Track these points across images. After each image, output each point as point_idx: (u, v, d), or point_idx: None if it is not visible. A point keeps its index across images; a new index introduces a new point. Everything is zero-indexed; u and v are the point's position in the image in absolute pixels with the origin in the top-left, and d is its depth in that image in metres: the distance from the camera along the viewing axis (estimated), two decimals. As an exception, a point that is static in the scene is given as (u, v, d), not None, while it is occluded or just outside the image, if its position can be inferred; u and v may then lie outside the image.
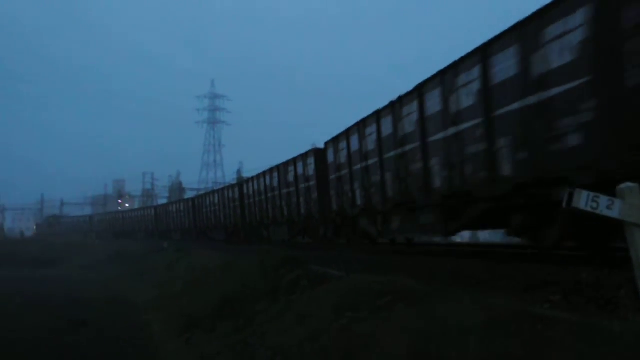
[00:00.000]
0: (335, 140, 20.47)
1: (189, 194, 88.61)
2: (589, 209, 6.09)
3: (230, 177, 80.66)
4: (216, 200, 42.13)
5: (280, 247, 21.84)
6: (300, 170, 24.84)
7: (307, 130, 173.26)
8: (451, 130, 12.45)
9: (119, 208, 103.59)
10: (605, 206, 6.06)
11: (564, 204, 5.91)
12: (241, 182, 37.83)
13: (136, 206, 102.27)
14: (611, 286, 6.91)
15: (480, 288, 8.51)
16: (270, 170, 29.62)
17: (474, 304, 6.60)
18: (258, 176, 32.48)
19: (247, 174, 71.01)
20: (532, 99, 9.83)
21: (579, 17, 8.77)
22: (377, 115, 16.57)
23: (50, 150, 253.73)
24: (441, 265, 12.14)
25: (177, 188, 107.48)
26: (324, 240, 22.95)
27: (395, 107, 15.38)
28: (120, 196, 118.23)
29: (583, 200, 6.09)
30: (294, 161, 25.73)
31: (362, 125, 17.81)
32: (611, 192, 6.11)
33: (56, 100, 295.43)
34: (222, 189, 43.63)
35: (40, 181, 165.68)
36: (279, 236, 28.60)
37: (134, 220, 73.59)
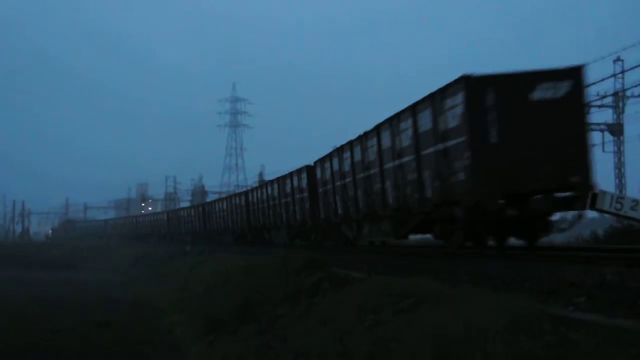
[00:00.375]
0: (322, 161, 24.59)
1: (211, 197, 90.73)
2: (612, 209, 6.09)
3: (252, 180, 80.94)
4: (224, 207, 45.89)
5: (302, 249, 21.86)
6: (295, 183, 28.36)
7: (327, 132, 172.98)
8: (397, 162, 16.44)
9: (142, 212, 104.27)
10: (629, 207, 6.04)
11: (588, 206, 6.22)
12: (247, 191, 42.26)
13: (159, 209, 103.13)
14: (636, 287, 6.85)
15: (503, 289, 8.46)
16: (271, 181, 34.25)
17: (498, 306, 6.57)
18: (261, 186, 38.03)
19: (269, 176, 71.13)
20: (440, 146, 13.94)
21: (460, 97, 13.05)
22: (350, 144, 20.39)
23: (75, 156, 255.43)
24: (464, 266, 12.10)
25: (200, 191, 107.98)
26: (315, 243, 26.75)
27: (362, 139, 19.21)
28: (144, 200, 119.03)
29: (607, 202, 6.09)
30: (290, 175, 29.38)
31: (340, 150, 21.76)
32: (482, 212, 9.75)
33: (79, 108, 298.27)
34: (230, 197, 48.66)
35: (65, 186, 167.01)
36: (279, 239, 31.67)
37: (147, 225, 77.63)
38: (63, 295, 26.97)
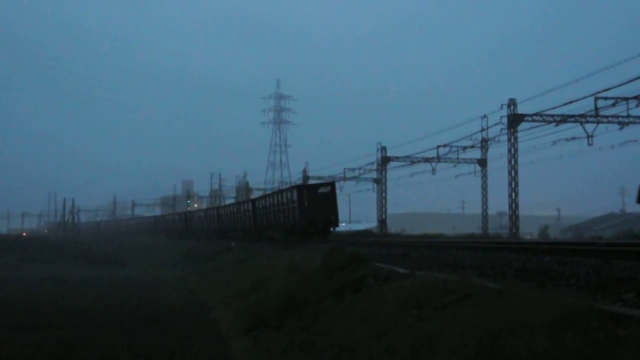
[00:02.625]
0: (267, 195, 54.37)
1: (256, 194, 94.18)
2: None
3: (296, 177, 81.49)
4: (235, 210, 59.84)
5: (346, 246, 21.85)
6: (289, 196, 42.70)
7: (371, 130, 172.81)
8: (282, 207, 43.73)
9: (188, 208, 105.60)
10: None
11: (636, 200, 6.21)
12: (254, 199, 56.60)
13: (204, 206, 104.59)
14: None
15: (549, 285, 8.34)
16: (273, 193, 53.20)
17: (543, 302, 6.47)
18: (265, 196, 55.40)
19: (313, 173, 71.72)
20: (291, 205, 41.20)
21: (295, 191, 41.81)
22: (276, 193, 49.88)
23: (123, 153, 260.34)
24: (508, 261, 11.96)
25: (244, 188, 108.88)
26: (302, 238, 37.40)
27: (275, 194, 48.60)
28: (189, 197, 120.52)
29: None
30: (286, 190, 46.84)
31: (278, 192, 49.05)
32: (303, 227, 40.19)
33: (131, 104, 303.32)
34: (240, 203, 65.52)
35: (113, 183, 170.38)
36: (278, 236, 44.28)
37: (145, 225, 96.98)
38: (111, 291, 27.46)
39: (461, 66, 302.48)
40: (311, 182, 65.66)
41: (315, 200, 39.77)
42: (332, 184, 43.23)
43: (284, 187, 73.86)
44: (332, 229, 41.38)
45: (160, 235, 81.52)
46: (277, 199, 45.74)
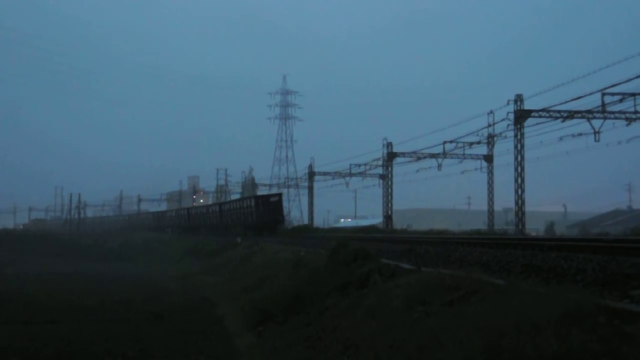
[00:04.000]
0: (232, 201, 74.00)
1: (262, 190, 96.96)
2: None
3: (302, 172, 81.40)
4: (204, 211, 75.82)
5: (353, 242, 21.83)
6: (249, 203, 58.60)
7: (377, 126, 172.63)
8: (242, 210, 60.20)
9: (194, 204, 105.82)
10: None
11: None
12: (221, 203, 77.23)
13: (210, 202, 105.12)
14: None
15: (555, 281, 8.31)
16: (236, 200, 69.60)
17: (549, 298, 6.45)
18: (230, 202, 73.79)
19: (319, 169, 71.71)
20: (249, 210, 57.44)
21: (253, 200, 58.49)
22: (238, 200, 68.61)
23: (130, 149, 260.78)
24: (514, 257, 11.93)
25: (250, 183, 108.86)
26: (257, 233, 51.07)
27: (238, 201, 67.75)
28: (195, 192, 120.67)
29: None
30: (247, 198, 63.09)
31: (240, 200, 67.92)
32: (258, 226, 55.37)
33: (134, 100, 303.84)
34: (208, 205, 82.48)
35: (119, 179, 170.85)
36: (239, 231, 55.30)
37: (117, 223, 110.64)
38: (117, 286, 27.54)
39: (468, 62, 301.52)
40: (317, 177, 71.60)
41: (267, 206, 55.35)
42: (279, 195, 60.89)
43: (267, 191, 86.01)
44: (278, 227, 55.42)
45: (165, 231, 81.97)
46: (239, 204, 63.14)
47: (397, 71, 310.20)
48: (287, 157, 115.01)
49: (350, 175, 66.32)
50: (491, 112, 45.08)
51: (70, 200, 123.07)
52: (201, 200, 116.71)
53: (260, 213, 54.38)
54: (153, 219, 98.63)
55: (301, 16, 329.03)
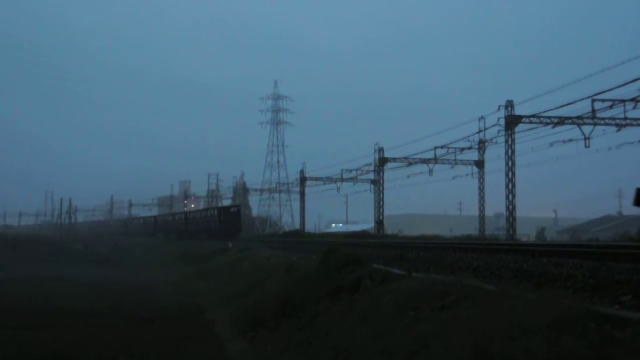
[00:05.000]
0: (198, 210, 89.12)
1: (253, 195, 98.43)
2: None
3: (293, 177, 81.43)
4: (170, 219, 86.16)
5: (345, 247, 21.85)
6: (212, 212, 71.52)
7: (368, 132, 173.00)
8: (206, 218, 72.16)
9: (185, 209, 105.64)
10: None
11: (633, 203, 6.36)
12: (186, 212, 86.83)
13: (201, 207, 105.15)
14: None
15: (546, 287, 8.34)
16: (201, 210, 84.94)
17: (540, 303, 6.47)
18: (195, 211, 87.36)
19: (310, 174, 71.68)
20: (212, 218, 69.78)
21: (216, 210, 74.12)
22: (203, 210, 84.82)
23: (120, 153, 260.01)
24: (505, 263, 11.96)
25: (241, 188, 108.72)
26: (219, 238, 52.51)
27: (201, 211, 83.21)
28: (186, 197, 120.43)
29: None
30: (211, 209, 79.58)
31: (204, 210, 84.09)
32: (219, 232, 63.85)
33: (124, 105, 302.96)
34: (174, 214, 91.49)
35: (110, 183, 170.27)
36: (203, 236, 62.94)
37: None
38: (105, 291, 27.42)
39: (458, 70, 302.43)
40: (309, 182, 72.51)
41: (228, 216, 67.08)
42: (238, 207, 75.53)
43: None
44: (237, 233, 63.13)
45: (156, 235, 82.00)
46: (204, 213, 75.84)
47: (388, 78, 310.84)
48: (278, 162, 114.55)
49: (342, 180, 66.33)
50: (482, 117, 45.26)
51: (61, 204, 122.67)
52: (192, 205, 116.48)
53: (222, 221, 65.53)
54: (120, 225, 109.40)
55: (292, 24, 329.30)
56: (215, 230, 63.21)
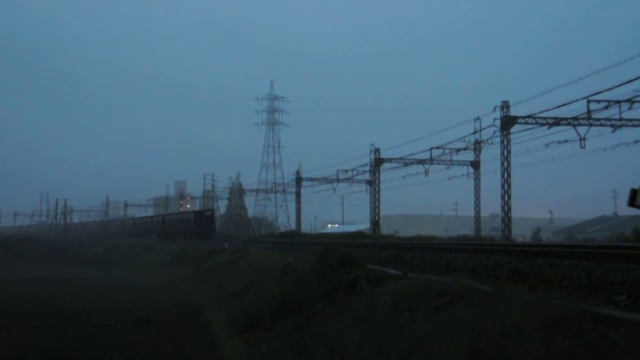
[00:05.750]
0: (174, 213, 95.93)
1: (249, 195, 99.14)
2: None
3: (289, 178, 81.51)
4: (149, 221, 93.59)
5: (341, 247, 21.85)
6: (189, 216, 79.11)
7: (365, 132, 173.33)
8: (182, 221, 79.51)
9: (180, 209, 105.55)
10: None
11: (628, 203, 6.36)
12: (164, 215, 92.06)
13: (197, 207, 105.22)
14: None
15: (541, 287, 8.36)
16: (178, 213, 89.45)
17: (535, 304, 6.49)
18: (172, 214, 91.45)
19: (306, 174, 71.73)
20: (189, 221, 76.75)
21: (192, 213, 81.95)
22: (180, 213, 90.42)
23: (116, 154, 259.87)
24: (500, 263, 11.98)
25: (237, 189, 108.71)
26: (194, 239, 61.08)
27: (178, 214, 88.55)
28: (182, 197, 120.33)
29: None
30: (187, 212, 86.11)
31: (181, 213, 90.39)
32: (196, 231, 72.59)
33: (120, 106, 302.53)
34: (152, 217, 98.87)
35: (106, 184, 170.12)
36: (180, 237, 67.25)
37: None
38: (101, 292, 27.37)
39: (454, 71, 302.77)
40: (305, 183, 73.30)
41: (202, 219, 73.64)
42: (212, 210, 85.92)
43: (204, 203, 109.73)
44: (210, 235, 69.19)
45: (152, 236, 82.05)
46: (181, 216, 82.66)
47: (384, 79, 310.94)
48: (274, 162, 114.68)
49: (338, 181, 66.40)
50: (478, 118, 45.35)
51: (56, 205, 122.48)
52: (188, 206, 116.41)
53: (197, 224, 72.35)
54: (98, 227, 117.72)
55: (289, 26, 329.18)
56: (192, 232, 69.60)
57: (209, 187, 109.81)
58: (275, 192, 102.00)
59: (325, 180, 68.46)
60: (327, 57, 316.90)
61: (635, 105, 35.51)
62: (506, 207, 40.75)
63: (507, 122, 40.01)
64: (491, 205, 61.33)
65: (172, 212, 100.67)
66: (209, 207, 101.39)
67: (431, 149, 50.99)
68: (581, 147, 37.83)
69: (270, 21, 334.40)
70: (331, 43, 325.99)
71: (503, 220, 41.15)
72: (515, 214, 41.73)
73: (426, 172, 53.18)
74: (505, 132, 40.30)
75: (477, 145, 49.64)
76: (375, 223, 57.91)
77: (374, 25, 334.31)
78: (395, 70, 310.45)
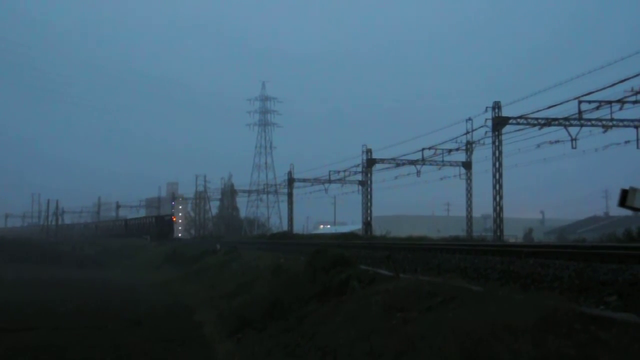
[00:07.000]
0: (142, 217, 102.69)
1: (241, 196, 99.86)
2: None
3: (281, 179, 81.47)
4: (111, 225, 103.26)
5: (333, 248, 21.86)
6: (151, 220, 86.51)
7: (356, 134, 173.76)
8: (155, 223, 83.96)
9: (172, 210, 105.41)
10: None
11: (619, 203, 6.34)
12: (127, 219, 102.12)
13: (189, 208, 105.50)
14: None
15: (532, 287, 8.38)
16: (141, 217, 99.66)
17: (526, 304, 6.50)
18: (134, 219, 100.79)
19: (298, 175, 71.66)
20: (144, 225, 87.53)
21: (151, 218, 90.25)
22: (143, 218, 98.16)
23: (108, 155, 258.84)
24: (492, 264, 12.01)
25: (229, 190, 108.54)
26: (156, 240, 70.17)
27: (150, 217, 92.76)
28: (174, 198, 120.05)
29: (638, 199, 6.00)
30: (150, 217, 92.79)
31: (144, 217, 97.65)
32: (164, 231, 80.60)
33: (112, 106, 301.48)
34: (114, 220, 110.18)
35: (98, 185, 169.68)
36: (144, 237, 75.97)
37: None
38: (92, 293, 27.30)
39: (447, 72, 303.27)
40: (297, 184, 72.71)
41: (163, 223, 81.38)
42: (171, 215, 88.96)
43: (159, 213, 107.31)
44: (169, 236, 77.81)
45: (144, 237, 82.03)
46: (143, 220, 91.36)
47: (377, 80, 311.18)
48: (266, 163, 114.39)
49: (330, 181, 66.41)
50: (469, 119, 45.39)
51: (48, 206, 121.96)
52: (180, 207, 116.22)
53: (158, 226, 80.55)
54: (66, 229, 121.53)
55: (280, 28, 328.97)
56: (153, 233, 78.93)
57: (201, 188, 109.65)
58: (267, 193, 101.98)
59: (318, 181, 68.47)
60: (319, 59, 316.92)
61: (626, 105, 35.61)
62: (498, 208, 40.82)
63: (499, 123, 40.06)
64: (483, 206, 61.54)
65: (136, 217, 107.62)
66: (201, 208, 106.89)
67: (423, 149, 51.02)
68: (572, 148, 37.95)
69: (263, 24, 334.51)
70: (323, 45, 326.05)
71: (495, 221, 41.21)
72: (506, 214, 41.79)
73: (418, 172, 53.19)
74: (496, 133, 40.36)
75: (469, 146, 49.72)
76: (367, 224, 57.90)
77: (367, 28, 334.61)
78: (387, 72, 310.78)
